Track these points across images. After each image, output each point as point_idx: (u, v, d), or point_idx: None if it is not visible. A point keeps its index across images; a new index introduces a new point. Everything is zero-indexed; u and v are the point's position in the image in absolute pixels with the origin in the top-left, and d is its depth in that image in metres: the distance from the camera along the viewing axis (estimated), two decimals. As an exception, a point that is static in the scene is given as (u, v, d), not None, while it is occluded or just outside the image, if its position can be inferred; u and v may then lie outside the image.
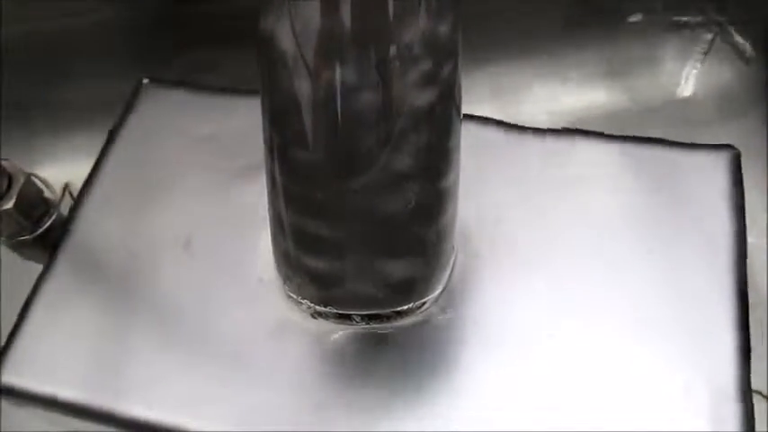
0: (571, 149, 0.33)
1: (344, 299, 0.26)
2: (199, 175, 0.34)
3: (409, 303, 0.26)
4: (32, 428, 0.31)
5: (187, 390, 0.28)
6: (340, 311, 0.26)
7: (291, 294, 0.26)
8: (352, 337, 0.29)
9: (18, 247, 0.33)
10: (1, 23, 0.38)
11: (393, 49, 0.19)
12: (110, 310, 0.31)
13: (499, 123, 0.34)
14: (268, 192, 0.24)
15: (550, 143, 0.33)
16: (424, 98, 0.20)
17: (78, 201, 0.34)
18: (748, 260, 0.30)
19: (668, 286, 0.29)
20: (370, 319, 0.27)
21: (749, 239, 0.31)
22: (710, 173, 0.32)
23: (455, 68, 0.21)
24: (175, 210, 0.33)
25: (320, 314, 0.27)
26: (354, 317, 0.27)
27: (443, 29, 0.20)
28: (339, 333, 0.29)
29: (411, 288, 0.26)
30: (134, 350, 0.29)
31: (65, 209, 0.34)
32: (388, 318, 0.27)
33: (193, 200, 0.33)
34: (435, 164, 0.23)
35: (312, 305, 0.26)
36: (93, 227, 0.33)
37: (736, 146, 0.33)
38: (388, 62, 0.19)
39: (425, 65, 0.20)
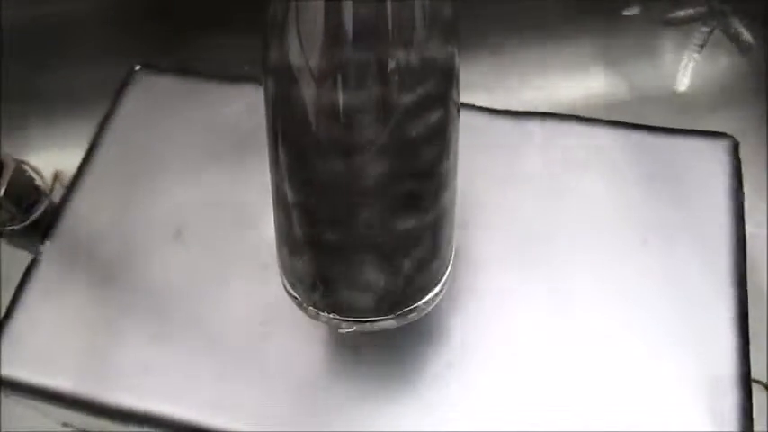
0: (569, 135, 0.33)
1: (343, 304, 0.26)
2: (191, 163, 0.33)
3: (410, 304, 0.26)
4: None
5: (178, 380, 0.28)
6: (340, 318, 0.26)
7: (294, 297, 0.26)
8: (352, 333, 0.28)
9: (9, 236, 0.33)
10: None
11: (392, 64, 0.19)
12: (101, 299, 0.30)
13: (497, 111, 0.34)
14: (273, 200, 0.24)
15: (549, 128, 0.33)
16: (422, 100, 0.20)
17: (69, 189, 0.33)
18: (749, 252, 0.30)
19: (665, 275, 0.29)
20: (372, 323, 0.26)
21: (747, 229, 0.30)
22: (709, 161, 0.31)
23: (454, 71, 0.21)
24: (167, 198, 0.32)
25: (320, 317, 0.26)
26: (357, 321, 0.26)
27: (443, 14, 0.20)
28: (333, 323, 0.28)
29: (412, 288, 0.26)
30: (125, 340, 0.29)
31: (56, 197, 0.34)
32: (392, 320, 0.26)
33: (185, 188, 0.32)
34: (436, 166, 0.23)
35: (314, 309, 0.26)
36: (85, 215, 0.33)
37: (734, 136, 0.32)
38: (388, 69, 0.19)
39: (425, 78, 0.20)
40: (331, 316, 0.25)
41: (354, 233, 0.23)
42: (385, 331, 0.26)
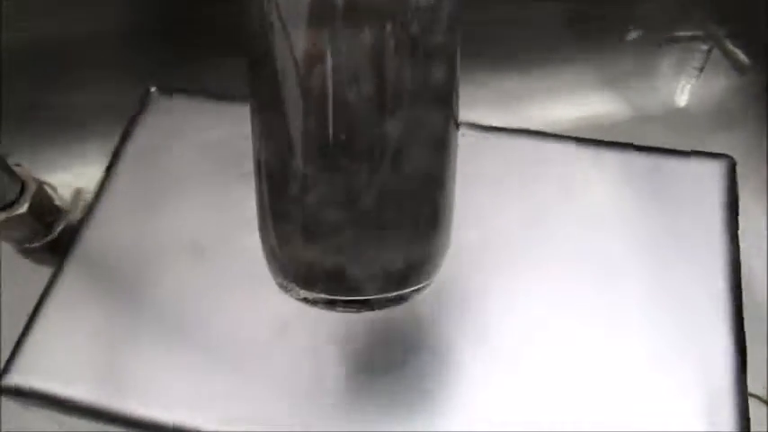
0: (569, 156, 0.33)
1: (333, 283, 0.25)
2: (207, 181, 0.34)
3: (402, 289, 0.25)
4: (33, 428, 0.32)
5: (193, 392, 0.29)
6: (329, 297, 0.25)
7: (279, 280, 0.26)
8: (358, 339, 0.30)
9: (30, 252, 0.34)
10: (10, 30, 0.39)
11: (389, 24, 0.19)
12: (119, 312, 0.31)
13: (500, 129, 0.35)
14: (254, 173, 0.25)
15: (549, 149, 0.34)
16: (420, 71, 0.21)
17: (90, 206, 0.34)
18: (745, 266, 0.30)
19: (664, 291, 0.30)
20: (361, 305, 0.26)
21: (746, 245, 0.31)
22: (706, 181, 0.32)
23: (452, 48, 0.21)
24: (184, 215, 0.33)
25: (307, 300, 0.26)
26: (341, 303, 0.26)
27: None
28: (345, 333, 0.29)
29: (405, 275, 0.25)
30: (142, 352, 0.30)
31: (75, 215, 0.35)
32: (379, 304, 0.26)
33: (202, 205, 0.34)
34: (432, 142, 0.23)
35: (300, 290, 0.25)
36: (104, 231, 0.34)
37: (731, 155, 0.33)
38: (383, 35, 0.19)
39: (424, 36, 0.20)
40: (319, 302, 0.25)
41: (345, 215, 0.23)
42: (393, 340, 0.27)
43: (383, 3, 0.19)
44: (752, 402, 0.28)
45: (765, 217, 0.39)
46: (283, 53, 0.20)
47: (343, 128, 0.21)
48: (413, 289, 0.25)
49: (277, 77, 0.20)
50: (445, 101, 0.22)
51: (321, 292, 0.24)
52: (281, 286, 0.25)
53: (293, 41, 0.20)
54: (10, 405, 0.31)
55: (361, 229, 0.23)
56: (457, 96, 0.23)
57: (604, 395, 0.28)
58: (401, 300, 0.25)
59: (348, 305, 0.25)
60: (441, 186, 0.24)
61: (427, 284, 0.26)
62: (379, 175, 0.22)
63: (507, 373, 0.28)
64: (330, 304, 0.25)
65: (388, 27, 0.19)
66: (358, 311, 0.25)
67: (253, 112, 0.23)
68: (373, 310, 0.25)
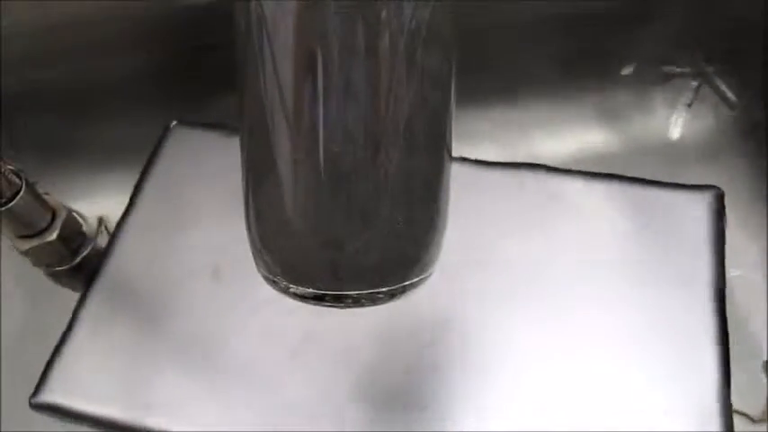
0: (562, 187, 0.35)
1: (321, 277, 0.24)
2: (224, 211, 0.36)
3: (395, 285, 0.24)
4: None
5: (214, 409, 0.31)
6: (316, 291, 0.24)
7: (266, 274, 0.25)
8: (370, 362, 0.31)
9: (57, 276, 0.36)
10: (38, 66, 0.41)
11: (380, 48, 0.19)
12: (143, 334, 0.33)
13: (493, 163, 0.36)
14: (242, 165, 0.25)
15: (541, 179, 0.35)
16: (412, 80, 0.20)
17: (114, 233, 0.36)
18: (733, 293, 0.32)
19: (654, 316, 0.31)
20: (351, 301, 0.25)
21: (734, 273, 0.33)
22: (695, 211, 0.34)
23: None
24: (203, 241, 0.35)
25: (295, 294, 0.25)
26: (329, 297, 0.24)
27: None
28: (359, 359, 0.31)
29: (398, 270, 0.24)
30: (166, 372, 0.32)
31: (101, 241, 0.37)
32: (370, 300, 0.25)
33: (220, 232, 0.35)
34: (427, 133, 0.23)
35: (286, 284, 0.25)
36: (128, 258, 0.36)
37: (720, 187, 0.35)
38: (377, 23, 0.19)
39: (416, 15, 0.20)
40: (309, 297, 0.24)
41: (337, 215, 0.22)
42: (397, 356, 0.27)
43: (374, 26, 0.19)
44: (736, 418, 0.29)
45: (752, 246, 0.41)
46: (270, 77, 0.20)
47: (333, 122, 0.20)
48: (403, 285, 0.24)
49: (262, 77, 0.21)
50: (439, 114, 0.22)
51: (309, 286, 0.24)
52: (267, 279, 0.25)
53: (281, 66, 0.20)
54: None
55: (350, 223, 0.23)
56: (451, 112, 0.23)
57: (597, 414, 0.29)
58: (391, 296, 0.24)
59: (336, 300, 0.24)
60: (434, 183, 0.24)
61: (419, 281, 0.25)
62: (369, 179, 0.22)
63: (503, 399, 0.30)
64: (318, 299, 0.24)
65: (381, 51, 0.19)
66: (346, 307, 0.24)
67: (239, 110, 0.23)
68: (362, 306, 0.24)
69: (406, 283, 0.24)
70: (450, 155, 0.24)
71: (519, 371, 0.30)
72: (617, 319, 0.31)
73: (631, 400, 0.29)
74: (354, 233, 0.23)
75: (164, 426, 0.31)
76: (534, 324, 0.31)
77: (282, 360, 0.31)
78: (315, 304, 0.24)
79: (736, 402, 0.29)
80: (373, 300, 0.24)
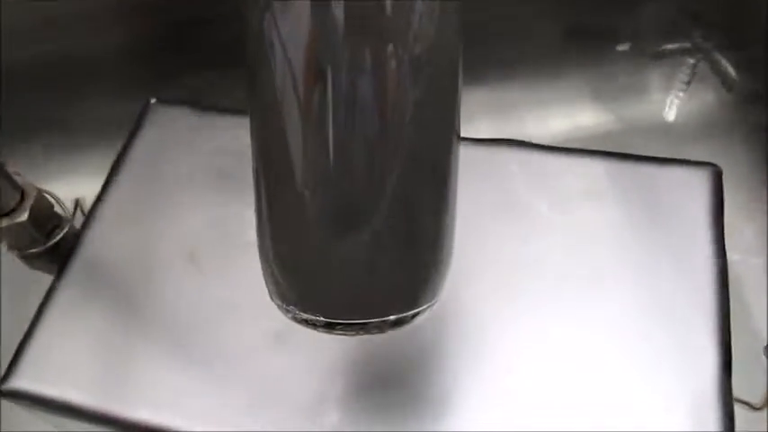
0: (557, 165, 0.34)
1: (333, 306, 0.25)
2: (205, 192, 0.35)
3: (403, 312, 0.25)
4: (33, 429, 0.33)
5: (189, 397, 0.30)
6: (328, 320, 0.25)
7: (277, 301, 0.26)
8: (353, 350, 0.30)
9: (30, 259, 0.35)
10: (12, 44, 0.39)
11: (390, 48, 0.19)
12: (118, 319, 0.32)
13: (486, 140, 0.35)
14: (255, 192, 0.25)
15: (534, 158, 0.34)
16: (419, 98, 0.21)
17: (89, 214, 0.35)
18: (732, 275, 0.31)
19: (652, 297, 0.30)
20: (359, 328, 0.26)
21: (732, 256, 0.32)
22: (693, 189, 0.33)
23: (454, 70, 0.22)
24: (181, 223, 0.34)
25: (306, 322, 0.26)
26: (340, 326, 0.26)
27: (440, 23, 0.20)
28: (341, 344, 0.30)
29: (406, 298, 0.26)
30: (140, 358, 0.31)
31: (76, 223, 0.35)
32: (378, 328, 0.26)
33: (200, 215, 0.34)
34: (434, 161, 0.23)
35: (299, 311, 0.25)
36: (104, 240, 0.34)
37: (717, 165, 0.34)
38: (383, 63, 0.19)
39: (424, 65, 0.20)
40: (319, 325, 0.25)
41: (348, 240, 0.23)
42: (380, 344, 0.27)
43: (385, 23, 0.19)
44: (736, 406, 0.28)
45: (750, 230, 0.40)
46: (283, 74, 0.20)
47: (343, 151, 0.21)
48: (412, 313, 0.25)
49: (276, 97, 0.21)
50: (448, 124, 0.23)
51: (320, 314, 0.24)
52: (280, 308, 0.26)
53: (293, 63, 0.20)
54: (10, 406, 0.31)
55: (361, 252, 0.23)
56: (459, 119, 0.23)
57: (595, 399, 0.28)
58: (401, 323, 0.25)
59: (347, 328, 0.25)
60: (442, 210, 0.24)
61: (428, 308, 0.26)
62: (380, 198, 0.22)
63: (501, 380, 0.29)
64: (329, 327, 0.25)
65: (390, 48, 0.19)
66: (357, 334, 0.25)
67: (252, 135, 0.23)
68: (372, 333, 0.25)
69: (415, 310, 0.25)
70: (456, 185, 0.24)
71: (510, 356, 0.29)
72: (612, 302, 0.30)
73: (629, 387, 0.28)
74: (365, 263, 0.23)
75: (142, 414, 0.29)
76: (524, 308, 0.30)
77: (265, 347, 0.30)
78: (324, 332, 0.25)
79: (735, 389, 0.28)
80: (381, 328, 0.25)
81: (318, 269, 0.24)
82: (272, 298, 0.26)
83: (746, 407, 0.33)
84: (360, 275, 0.24)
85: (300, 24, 0.19)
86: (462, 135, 0.34)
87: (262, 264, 0.25)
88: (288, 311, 0.25)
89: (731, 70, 0.44)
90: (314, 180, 0.22)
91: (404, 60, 0.20)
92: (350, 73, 0.19)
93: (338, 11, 0.18)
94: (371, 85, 0.20)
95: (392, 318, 0.25)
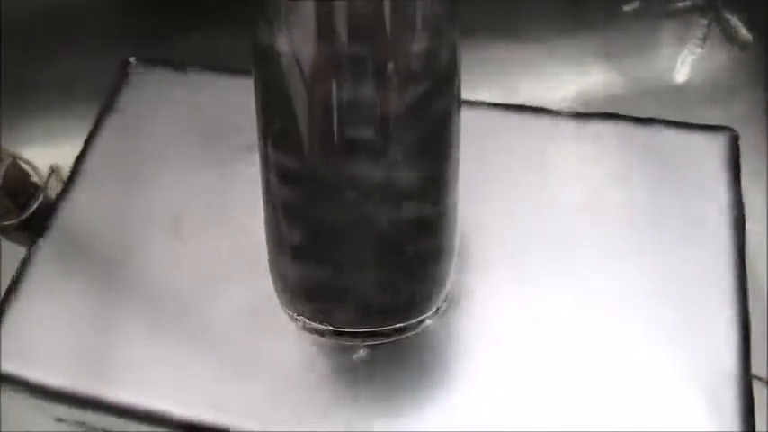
0: (568, 131, 0.32)
1: (341, 316, 0.25)
2: (187, 156, 0.33)
3: (409, 320, 0.26)
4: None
5: (175, 375, 0.28)
6: (336, 329, 0.26)
7: (286, 310, 0.26)
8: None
9: (5, 231, 0.33)
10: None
11: (390, 65, 0.19)
12: (97, 294, 0.30)
13: (495, 105, 0.34)
14: (264, 204, 0.24)
15: (547, 124, 0.33)
16: (422, 106, 0.21)
17: (68, 182, 0.33)
18: (748, 248, 0.29)
19: (665, 269, 0.29)
20: (366, 336, 0.26)
21: (748, 227, 0.30)
22: (709, 154, 0.31)
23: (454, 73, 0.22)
24: (164, 192, 0.32)
25: (315, 330, 0.26)
26: (347, 334, 0.26)
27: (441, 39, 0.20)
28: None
29: (411, 305, 0.26)
30: (121, 335, 0.29)
31: (52, 192, 0.33)
32: (386, 335, 0.26)
33: (183, 182, 0.32)
34: (434, 172, 0.23)
35: (307, 321, 0.26)
36: (82, 208, 0.32)
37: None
38: (386, 74, 0.20)
39: (424, 80, 0.20)
40: (327, 333, 0.25)
41: (352, 247, 0.23)
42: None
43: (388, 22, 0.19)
44: (755, 384, 0.27)
45: (765, 192, 0.39)
46: (292, 76, 0.20)
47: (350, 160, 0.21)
48: (419, 319, 0.25)
49: (285, 100, 0.21)
50: (451, 127, 0.23)
51: (328, 323, 0.25)
52: (289, 316, 0.26)
53: (302, 65, 0.20)
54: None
55: (369, 261, 0.24)
56: (458, 127, 0.23)
57: (610, 377, 0.27)
58: (408, 330, 0.25)
59: (355, 336, 0.25)
60: (444, 218, 0.24)
61: (434, 314, 0.26)
62: (386, 204, 0.22)
63: (511, 356, 0.27)
64: (336, 335, 0.25)
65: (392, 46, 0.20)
66: (364, 342, 0.26)
67: (260, 141, 0.23)
68: (378, 341, 0.26)
69: (420, 318, 0.25)
70: (457, 191, 0.24)
71: (520, 329, 0.28)
72: (625, 274, 0.29)
73: (643, 363, 0.27)
74: (372, 272, 0.24)
75: (123, 395, 0.28)
76: (534, 275, 0.29)
77: (250, 323, 0.29)
78: (332, 338, 0.26)
79: (755, 366, 0.27)
80: (388, 335, 0.25)
81: (327, 280, 0.24)
82: (281, 307, 0.26)
83: (761, 383, 0.32)
84: (366, 286, 0.24)
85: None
86: (472, 99, 0.33)
87: (272, 275, 0.26)
88: (297, 320, 0.26)
89: (744, 31, 0.42)
90: (323, 188, 0.22)
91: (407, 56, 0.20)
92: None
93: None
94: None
95: (399, 325, 0.25)
